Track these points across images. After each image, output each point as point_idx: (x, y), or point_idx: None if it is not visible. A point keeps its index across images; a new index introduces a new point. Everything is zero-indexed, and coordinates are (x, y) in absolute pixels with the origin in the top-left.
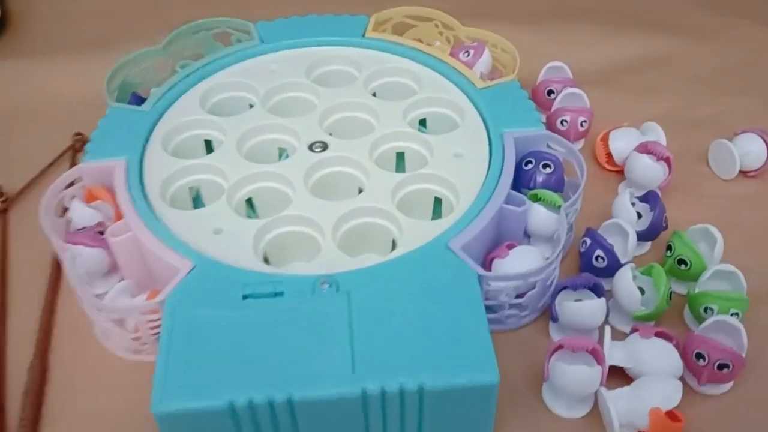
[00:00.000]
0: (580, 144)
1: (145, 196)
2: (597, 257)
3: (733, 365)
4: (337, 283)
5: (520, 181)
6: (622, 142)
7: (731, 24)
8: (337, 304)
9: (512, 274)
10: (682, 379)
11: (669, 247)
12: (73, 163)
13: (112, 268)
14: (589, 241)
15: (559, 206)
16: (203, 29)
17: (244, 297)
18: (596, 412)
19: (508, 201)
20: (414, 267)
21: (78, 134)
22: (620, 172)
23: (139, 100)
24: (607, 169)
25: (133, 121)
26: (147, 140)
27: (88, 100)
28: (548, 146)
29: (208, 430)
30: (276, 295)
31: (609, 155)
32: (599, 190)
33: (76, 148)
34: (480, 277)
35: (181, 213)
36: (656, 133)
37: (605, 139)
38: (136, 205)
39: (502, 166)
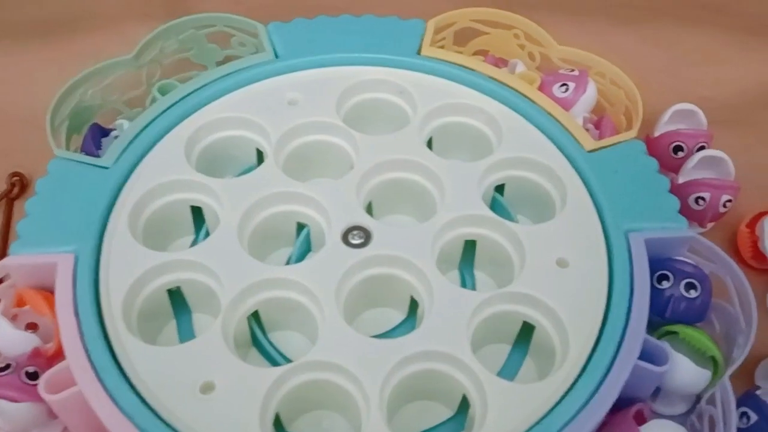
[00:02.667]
0: (710, 226)
1: (100, 315)
2: None
3: None
4: None
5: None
6: None
7: None
8: None
9: None
10: None
11: None
12: (6, 221)
13: (50, 418)
14: (753, 416)
15: (717, 361)
16: (191, 27)
17: None
18: None
19: (643, 353)
20: None
21: (15, 175)
22: None
23: (101, 134)
24: (754, 267)
25: (89, 183)
26: (107, 216)
27: (31, 118)
28: (690, 252)
29: None
30: None
31: (756, 249)
32: None
33: (13, 195)
34: None
35: (152, 351)
36: None
37: (753, 226)
38: (86, 333)
39: (632, 287)
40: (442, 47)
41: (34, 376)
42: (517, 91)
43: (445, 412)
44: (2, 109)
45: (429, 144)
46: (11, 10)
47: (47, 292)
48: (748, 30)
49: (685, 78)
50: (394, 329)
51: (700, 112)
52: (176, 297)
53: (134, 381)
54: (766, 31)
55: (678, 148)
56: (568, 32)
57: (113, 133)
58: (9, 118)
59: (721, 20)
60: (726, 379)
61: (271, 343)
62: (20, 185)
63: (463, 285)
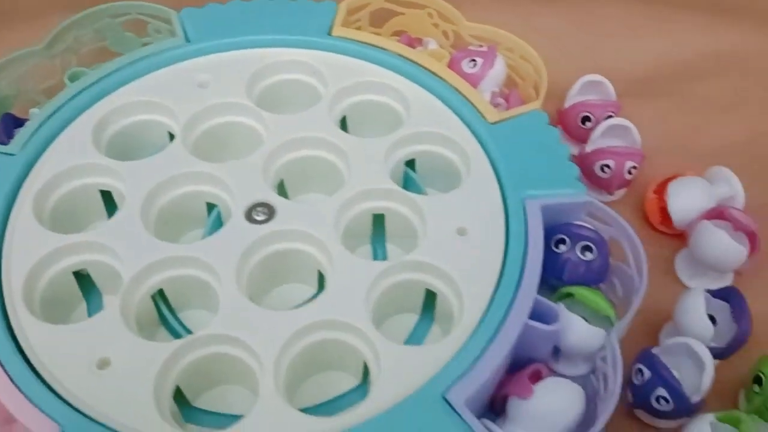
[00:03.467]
0: (619, 193)
1: (1, 296)
2: (659, 398)
3: None
4: None
5: (547, 269)
6: (685, 199)
7: None
8: None
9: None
10: None
11: (758, 380)
12: None
13: None
14: (647, 372)
15: (610, 319)
16: (106, 16)
17: None
18: None
19: (534, 313)
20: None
21: None
22: (678, 237)
23: (14, 124)
24: (662, 232)
25: None
26: (11, 202)
27: None
28: (587, 216)
29: None
30: None
31: (665, 213)
32: (651, 261)
33: None
34: None
35: (51, 330)
36: (729, 183)
37: (661, 192)
38: None
39: (525, 252)
40: (359, 29)
41: None
42: (424, 67)
43: (352, 382)
44: None
45: (343, 123)
46: None
47: None
48: (665, 2)
49: (602, 51)
50: (301, 304)
51: (608, 83)
52: (86, 280)
53: (31, 358)
54: (682, 3)
55: (586, 119)
56: (486, 10)
57: (27, 123)
58: None
59: None
60: (613, 337)
61: (176, 318)
62: None
63: (375, 258)
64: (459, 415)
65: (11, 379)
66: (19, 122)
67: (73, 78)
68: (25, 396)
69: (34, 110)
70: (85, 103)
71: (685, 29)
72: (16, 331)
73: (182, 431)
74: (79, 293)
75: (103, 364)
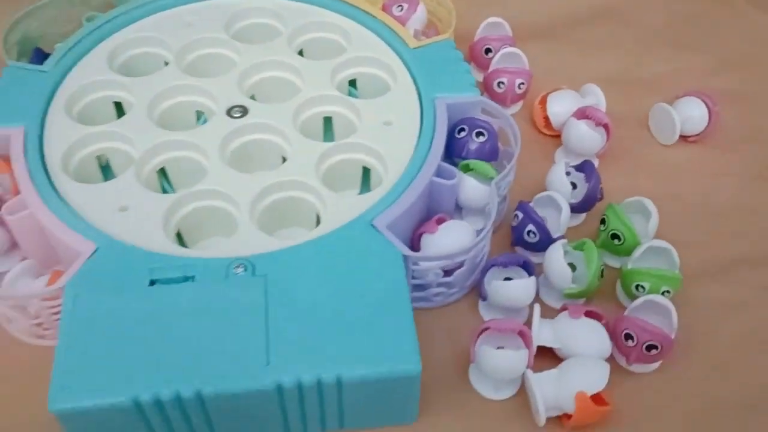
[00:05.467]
0: (518, 107)
1: (45, 168)
2: (529, 232)
3: (661, 346)
4: (252, 266)
5: (453, 151)
6: (561, 106)
7: None
8: (253, 289)
9: (441, 255)
10: (611, 357)
11: (603, 221)
12: None
13: (13, 246)
14: (520, 215)
15: (492, 178)
16: None
17: (152, 282)
18: (524, 393)
19: (438, 173)
20: (336, 248)
21: None
22: (558, 137)
23: (43, 57)
24: (545, 134)
25: (33, 82)
26: (48, 104)
27: None
28: (483, 112)
29: (113, 426)
30: (186, 279)
31: (546, 119)
32: (536, 157)
33: None
34: (406, 258)
35: (84, 187)
36: (596, 96)
37: (543, 103)
38: (35, 178)
39: (433, 135)
40: None
41: None
42: (363, 10)
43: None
44: None
45: (300, 53)
46: None
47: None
48: None
49: (505, 3)
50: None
51: (506, 24)
52: (107, 170)
53: (71, 204)
54: None
55: (488, 50)
56: None
57: (55, 51)
58: None
59: None
60: (493, 186)
61: (170, 185)
62: None
63: None
64: (381, 234)
65: (62, 220)
66: (46, 55)
67: (90, 20)
68: (70, 227)
69: (59, 44)
70: (100, 36)
71: None
72: (59, 190)
73: (182, 247)
74: (100, 174)
75: (123, 209)
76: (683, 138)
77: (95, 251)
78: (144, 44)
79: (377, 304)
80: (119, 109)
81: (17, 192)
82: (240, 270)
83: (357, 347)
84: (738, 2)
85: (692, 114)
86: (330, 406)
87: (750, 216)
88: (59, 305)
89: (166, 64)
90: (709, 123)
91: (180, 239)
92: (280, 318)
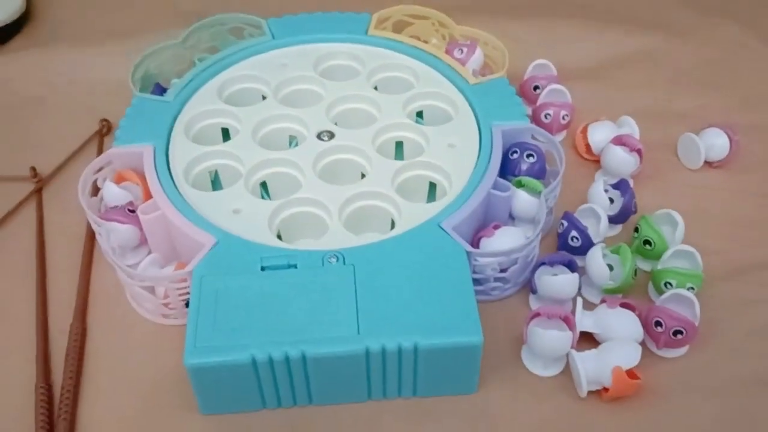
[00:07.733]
0: (561, 136)
1: (172, 179)
2: (572, 237)
3: (686, 332)
4: (343, 258)
5: (507, 169)
6: (600, 135)
7: (712, 23)
8: (344, 275)
9: (497, 251)
10: (642, 343)
11: (636, 229)
12: (100, 147)
13: (141, 243)
14: (565, 223)
15: (540, 192)
16: (218, 24)
17: (262, 268)
18: (568, 371)
19: (495, 187)
20: (410, 244)
21: (104, 120)
22: (597, 161)
23: (161, 90)
24: (586, 159)
25: (158, 110)
26: (171, 128)
27: (109, 87)
28: (533, 137)
29: (232, 381)
30: (290, 266)
31: (587, 146)
32: (578, 178)
33: (103, 132)
34: (468, 254)
35: (203, 194)
36: (630, 126)
37: (585, 132)
38: (164, 186)
39: (490, 155)
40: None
41: (132, 212)
42: (429, 52)
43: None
44: (87, 82)
45: (376, 89)
46: (96, 18)
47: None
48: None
49: (553, 49)
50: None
51: (551, 64)
52: (216, 182)
53: (194, 207)
54: (607, 17)
55: (536, 87)
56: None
57: (171, 87)
58: (91, 89)
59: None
60: (542, 198)
61: (268, 196)
62: (107, 126)
63: None
64: (448, 234)
65: (188, 219)
66: (164, 90)
67: (201, 60)
68: (195, 224)
69: (175, 80)
70: (211, 74)
71: (618, 38)
72: (183, 195)
73: (283, 243)
74: (210, 184)
75: (236, 211)
76: (707, 164)
77: (216, 244)
78: (247, 81)
79: (445, 289)
80: (225, 134)
81: (147, 199)
82: (333, 260)
83: (430, 322)
84: (757, 46)
85: (715, 142)
86: (406, 372)
87: (767, 228)
88: (185, 288)
89: (264, 97)
90: (730, 151)
91: (279, 239)
92: (367, 298)
